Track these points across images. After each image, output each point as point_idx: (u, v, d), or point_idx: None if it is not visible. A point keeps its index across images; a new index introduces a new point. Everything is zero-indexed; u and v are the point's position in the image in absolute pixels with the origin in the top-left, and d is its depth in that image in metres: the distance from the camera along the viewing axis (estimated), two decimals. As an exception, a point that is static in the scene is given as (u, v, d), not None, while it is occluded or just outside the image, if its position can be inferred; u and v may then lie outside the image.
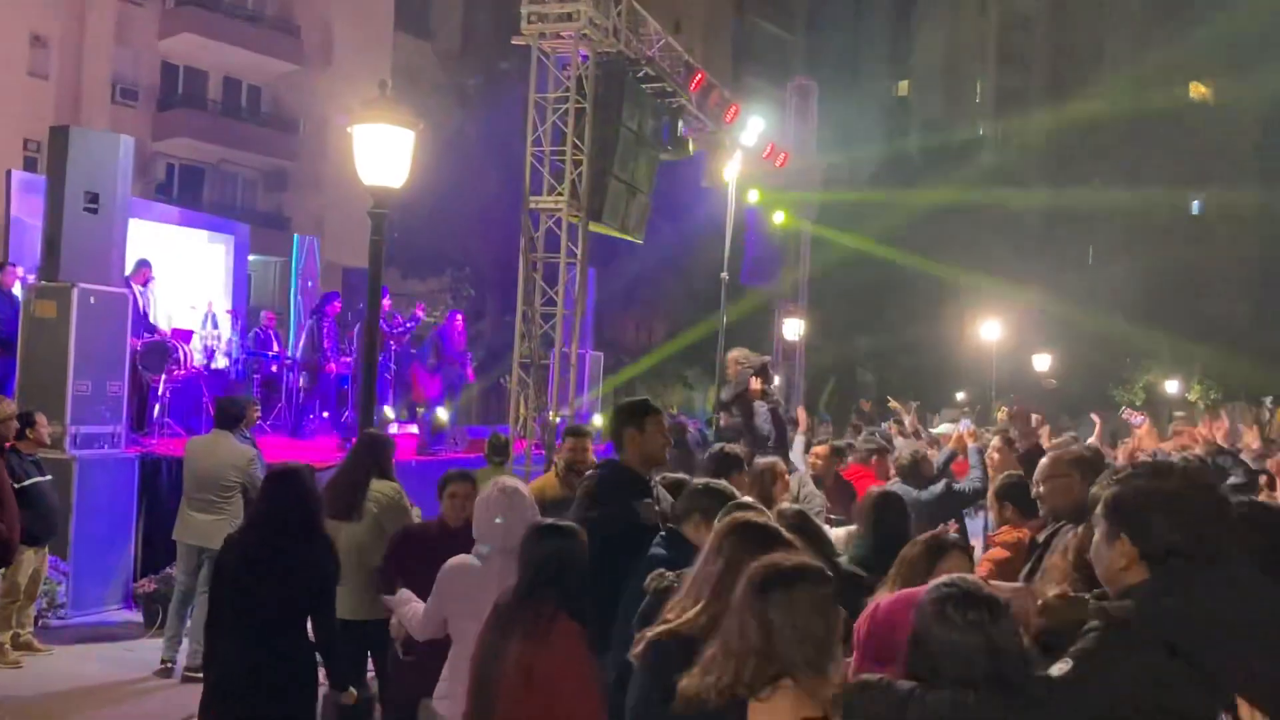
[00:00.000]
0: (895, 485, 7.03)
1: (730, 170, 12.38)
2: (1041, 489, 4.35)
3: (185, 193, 31.11)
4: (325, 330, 15.36)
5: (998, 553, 5.06)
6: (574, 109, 11.01)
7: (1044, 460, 4.52)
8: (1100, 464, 4.59)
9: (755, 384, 9.55)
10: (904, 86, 55.44)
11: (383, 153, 8.23)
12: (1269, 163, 48.52)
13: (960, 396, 35.94)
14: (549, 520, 4.09)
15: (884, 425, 12.96)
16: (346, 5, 34.05)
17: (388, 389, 16.04)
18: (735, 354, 10.03)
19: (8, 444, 7.93)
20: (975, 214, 34.74)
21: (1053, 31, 53.56)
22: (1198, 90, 54.38)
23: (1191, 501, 2.47)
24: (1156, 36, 49.49)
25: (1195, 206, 53.09)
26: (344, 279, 20.08)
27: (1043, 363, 30.54)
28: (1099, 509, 2.61)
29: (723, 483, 4.44)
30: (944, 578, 2.72)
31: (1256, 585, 2.41)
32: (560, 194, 11.09)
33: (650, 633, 3.09)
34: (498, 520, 4.45)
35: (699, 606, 3.03)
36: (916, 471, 7.47)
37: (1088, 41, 52.06)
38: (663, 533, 4.37)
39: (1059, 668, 2.29)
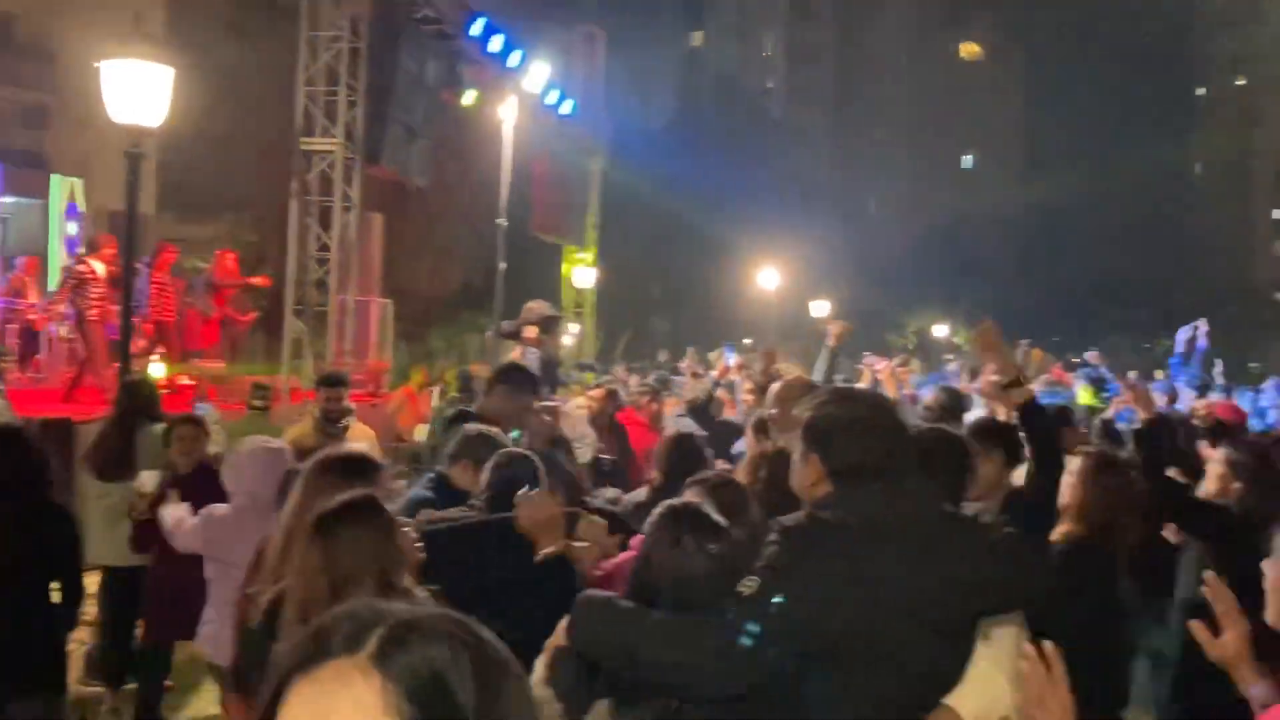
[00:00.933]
0: (682, 421, 7.40)
1: (508, 115, 12.29)
2: (773, 413, 4.77)
3: (-72, 128, 28.50)
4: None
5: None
6: (349, 48, 10.71)
7: (770, 390, 5.02)
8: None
9: (530, 332, 9.61)
10: (698, 38, 56.17)
11: (137, 90, 7.82)
12: (1033, 120, 51.92)
13: (747, 342, 37.16)
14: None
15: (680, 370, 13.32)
16: (111, -71, 31.75)
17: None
18: (531, 304, 10.11)
19: None
20: (763, 165, 35.77)
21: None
22: (970, 50, 57.52)
23: (871, 424, 2.71)
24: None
25: (968, 161, 56.39)
26: (111, 223, 18.94)
27: (821, 309, 31.90)
28: (798, 431, 2.84)
29: (495, 429, 4.52)
30: (672, 501, 2.89)
31: (923, 495, 2.68)
32: (334, 136, 10.80)
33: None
34: (251, 473, 4.56)
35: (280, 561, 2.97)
36: (705, 409, 7.86)
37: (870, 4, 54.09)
38: (430, 475, 4.44)
39: (746, 584, 2.48)
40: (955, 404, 7.50)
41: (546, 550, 3.42)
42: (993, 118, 53.75)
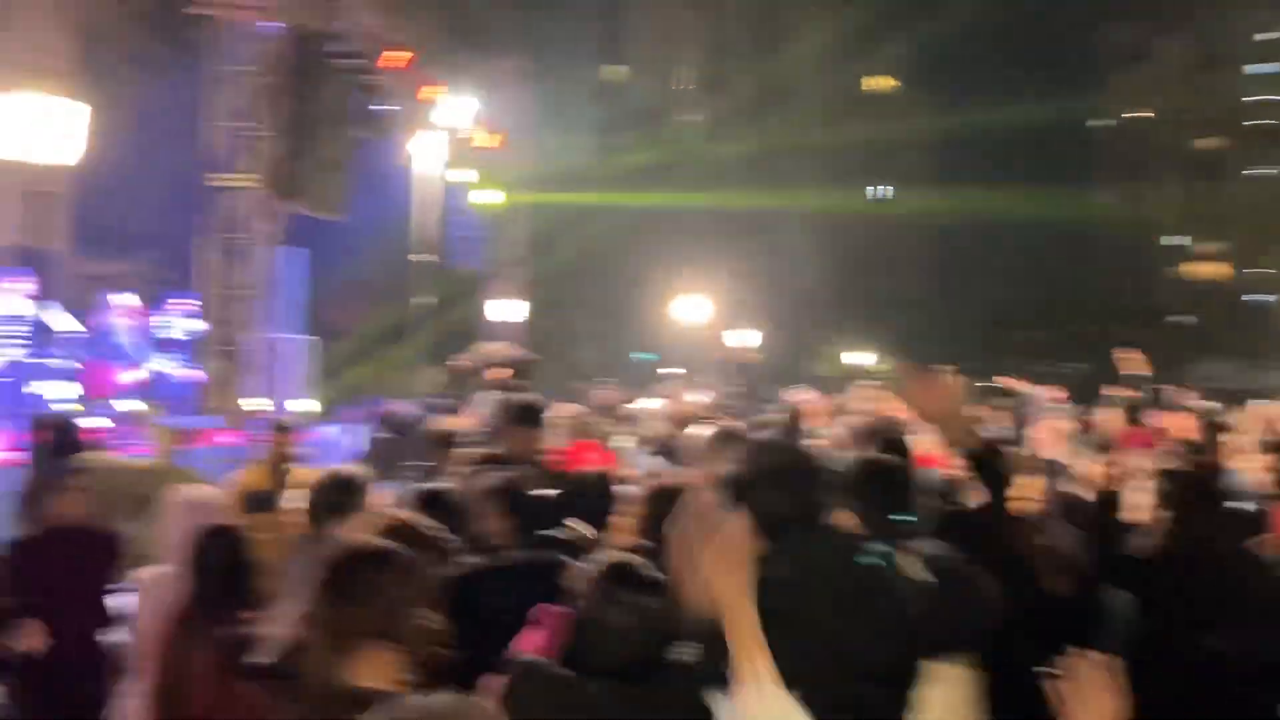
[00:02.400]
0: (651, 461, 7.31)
1: (421, 149, 12.16)
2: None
3: None
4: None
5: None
6: (261, 83, 10.52)
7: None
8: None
9: (496, 373, 9.50)
10: (617, 71, 56.56)
11: (47, 126, 7.56)
12: (946, 153, 53.15)
13: (672, 372, 37.30)
14: (218, 523, 4.03)
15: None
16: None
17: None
18: (491, 345, 10.04)
19: None
20: (685, 198, 36.04)
21: (752, 23, 56.23)
22: (879, 82, 58.94)
23: (790, 474, 2.68)
24: (844, 32, 53.14)
25: (876, 193, 57.62)
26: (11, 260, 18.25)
27: (739, 339, 32.27)
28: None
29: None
30: (609, 555, 2.80)
31: (848, 543, 2.64)
32: (247, 171, 10.58)
33: None
34: (186, 528, 4.28)
35: None
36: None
37: (784, 33, 55.05)
38: None
39: (685, 651, 2.41)
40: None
41: None
42: (903, 149, 55.02)
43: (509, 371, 9.66)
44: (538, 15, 51.73)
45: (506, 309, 20.50)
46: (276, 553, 4.49)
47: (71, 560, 4.89)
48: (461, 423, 8.92)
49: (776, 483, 2.64)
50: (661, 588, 2.60)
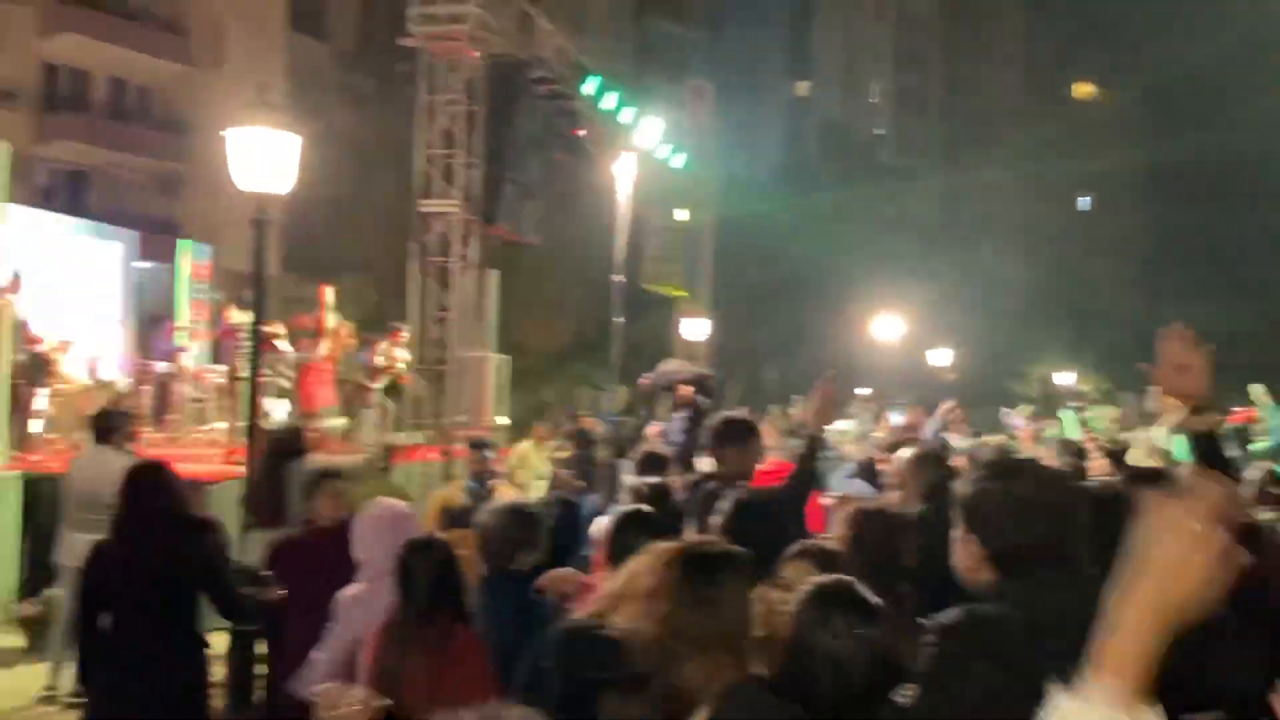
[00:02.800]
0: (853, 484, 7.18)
1: (622, 171, 12.35)
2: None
3: (72, 198, 30.05)
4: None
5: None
6: (466, 112, 10.92)
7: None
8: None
9: (685, 391, 9.58)
10: (803, 87, 56.21)
11: (264, 157, 8.04)
12: (1155, 158, 50.37)
13: (861, 392, 36.52)
14: (424, 537, 4.10)
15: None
16: (238, 5, 33.25)
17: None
18: (671, 363, 10.16)
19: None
20: (873, 212, 35.38)
21: (946, 32, 54.87)
22: (1084, 90, 56.27)
23: (1038, 504, 2.50)
24: (1045, 37, 51.10)
25: (1084, 203, 54.94)
26: (239, 286, 19.53)
27: (941, 357, 31.19)
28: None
29: None
30: (822, 579, 2.70)
31: (1092, 587, 2.45)
32: (453, 198, 10.99)
33: None
34: (387, 542, 4.40)
35: None
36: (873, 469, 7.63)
37: (979, 42, 53.44)
38: None
39: (906, 695, 2.29)
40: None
41: None
42: (1109, 157, 52.42)
43: (692, 389, 9.68)
44: (725, 34, 52.17)
45: (695, 327, 20.59)
46: (475, 570, 4.61)
47: (335, 559, 5.12)
48: (650, 435, 9.00)
49: (1018, 510, 2.47)
50: (879, 615, 2.49)
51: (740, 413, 5.33)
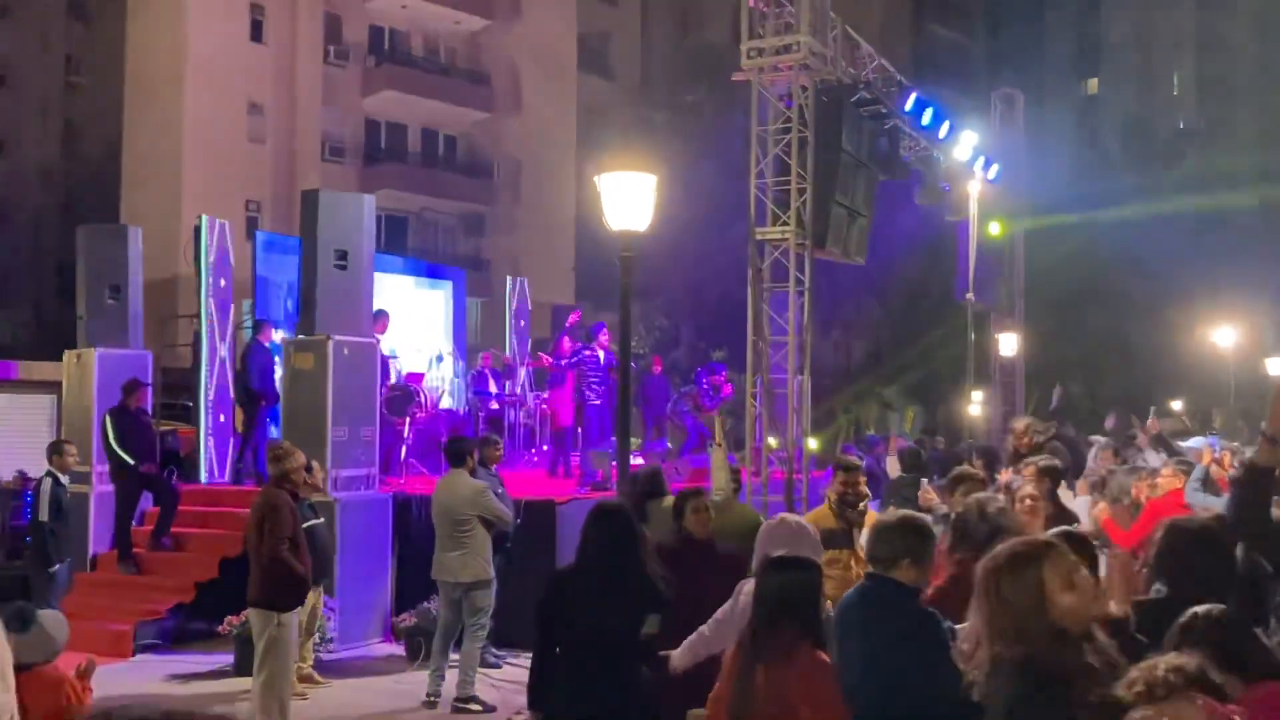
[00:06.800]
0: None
1: (969, 188, 12.07)
2: None
3: (391, 242, 32.68)
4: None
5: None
6: (796, 139, 11.05)
7: None
8: None
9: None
10: (1093, 85, 53.19)
11: (626, 199, 8.43)
12: None
13: (1176, 405, 33.94)
14: (781, 553, 4.30)
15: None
16: (531, 50, 35.14)
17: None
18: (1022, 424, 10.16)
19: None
20: (1185, 214, 32.88)
21: (1258, 11, 50.39)
22: None
23: None
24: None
25: None
26: (553, 316, 20.59)
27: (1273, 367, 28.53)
28: None
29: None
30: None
31: None
32: (786, 224, 11.13)
33: None
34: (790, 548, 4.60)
35: None
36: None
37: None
38: None
39: None
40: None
41: None
42: None
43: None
44: (1004, 34, 50.17)
45: (1006, 344, 19.85)
46: (841, 592, 4.67)
47: (708, 569, 5.58)
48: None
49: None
50: None
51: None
